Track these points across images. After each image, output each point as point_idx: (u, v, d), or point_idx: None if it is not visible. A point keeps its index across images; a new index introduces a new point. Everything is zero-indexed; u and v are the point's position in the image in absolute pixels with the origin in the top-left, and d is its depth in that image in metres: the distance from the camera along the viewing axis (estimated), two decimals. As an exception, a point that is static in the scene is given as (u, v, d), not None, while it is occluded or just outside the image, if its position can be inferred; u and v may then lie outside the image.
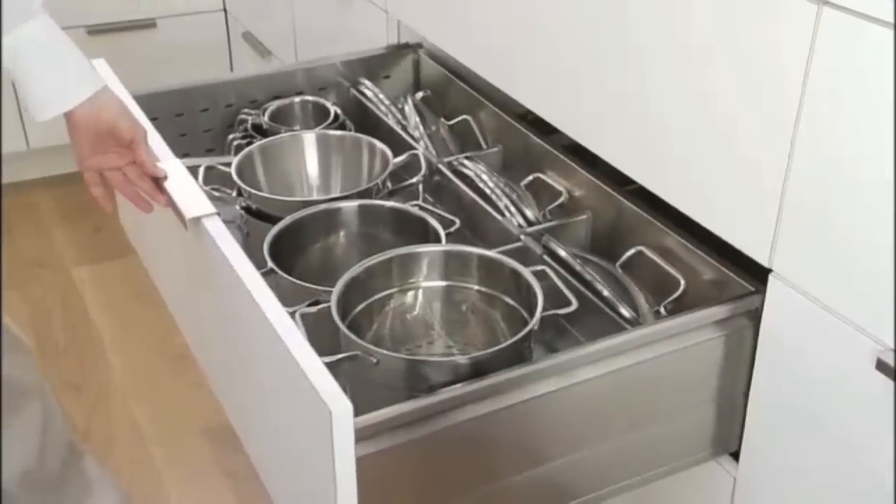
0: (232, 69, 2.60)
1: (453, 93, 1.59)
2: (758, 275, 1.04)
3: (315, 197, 1.38)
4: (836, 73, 0.85)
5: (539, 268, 1.07)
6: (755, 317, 1.03)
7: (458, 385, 0.92)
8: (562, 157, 1.32)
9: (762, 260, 0.97)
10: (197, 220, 1.06)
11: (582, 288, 1.12)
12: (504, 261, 1.07)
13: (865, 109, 0.83)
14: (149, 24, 2.45)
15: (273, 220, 1.23)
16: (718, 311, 1.03)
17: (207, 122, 1.54)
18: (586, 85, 1.18)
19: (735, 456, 1.12)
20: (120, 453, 1.70)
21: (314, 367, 0.84)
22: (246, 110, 1.53)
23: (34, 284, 2.17)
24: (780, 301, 0.98)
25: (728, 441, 1.11)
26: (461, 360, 0.95)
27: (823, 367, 0.95)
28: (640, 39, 1.07)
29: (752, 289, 1.04)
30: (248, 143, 1.44)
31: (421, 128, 1.46)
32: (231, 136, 1.49)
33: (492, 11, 1.34)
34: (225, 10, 2.54)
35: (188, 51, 2.50)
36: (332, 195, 1.32)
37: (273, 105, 1.53)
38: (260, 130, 1.49)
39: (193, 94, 1.53)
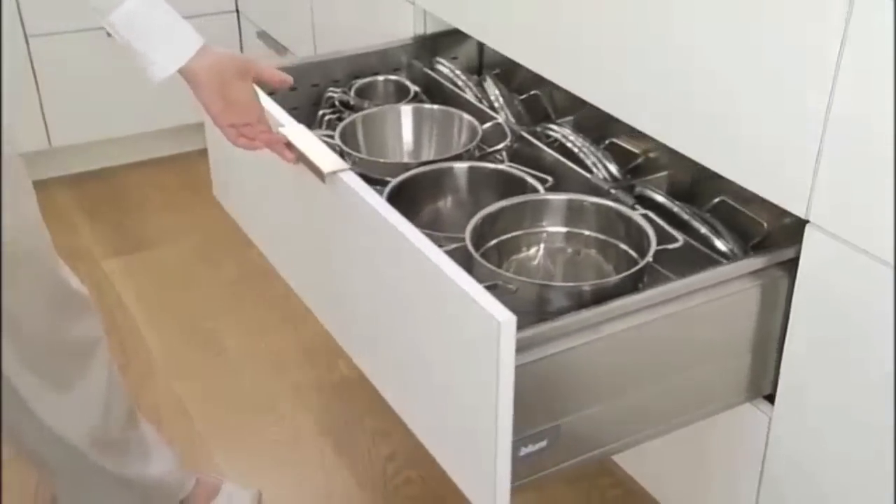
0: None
1: (520, 71, 1.70)
2: (790, 228, 1.14)
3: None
4: (877, 22, 0.94)
5: (643, 212, 1.20)
6: (789, 267, 1.13)
7: (585, 309, 1.04)
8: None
9: (799, 212, 1.08)
10: (334, 174, 1.17)
11: (676, 233, 1.24)
12: (616, 207, 1.19)
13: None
14: (165, 25, 2.55)
15: (378, 183, 1.34)
16: (754, 262, 1.13)
17: (295, 100, 1.66)
18: (622, 61, 1.28)
19: (768, 398, 1.22)
20: (168, 427, 1.78)
21: (477, 289, 0.96)
22: (332, 89, 1.65)
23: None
24: (816, 249, 1.07)
25: (762, 385, 1.21)
26: (586, 287, 1.07)
27: (862, 309, 1.05)
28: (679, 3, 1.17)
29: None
30: (338, 119, 1.56)
31: (500, 100, 1.58)
32: (321, 112, 1.61)
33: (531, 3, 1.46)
34: (237, 10, 2.66)
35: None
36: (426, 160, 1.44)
37: (357, 83, 1.65)
38: (347, 106, 1.61)
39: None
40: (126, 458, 1.45)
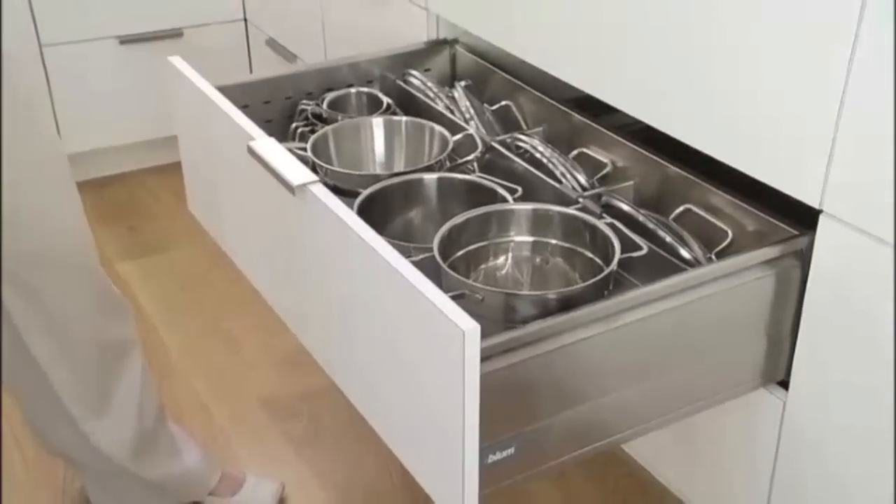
0: (251, 73, 2.73)
1: (492, 81, 1.73)
2: (801, 220, 1.18)
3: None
4: (891, 13, 0.97)
5: (609, 220, 1.21)
6: (802, 256, 1.17)
7: (551, 317, 1.05)
8: (604, 131, 1.47)
9: (813, 202, 1.11)
10: (304, 186, 1.19)
11: (640, 241, 1.26)
12: (581, 216, 1.21)
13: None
14: (175, 34, 2.58)
15: (349, 194, 1.36)
16: (768, 252, 1.17)
17: (269, 113, 1.67)
18: (633, 55, 1.32)
19: (782, 384, 1.26)
20: (189, 424, 1.84)
21: (442, 299, 0.97)
22: (305, 101, 1.66)
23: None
24: (831, 238, 1.12)
25: (775, 371, 1.25)
26: (551, 295, 1.09)
27: (874, 295, 1.09)
28: None
29: (797, 232, 1.18)
30: (311, 131, 1.57)
31: (472, 111, 1.59)
32: (294, 125, 1.62)
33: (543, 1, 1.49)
34: (245, 19, 2.68)
35: (212, 57, 2.62)
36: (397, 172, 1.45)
37: (329, 96, 1.66)
38: (319, 119, 1.62)
39: (257, 88, 1.66)
40: (156, 453, 1.51)
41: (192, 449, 1.57)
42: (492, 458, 1.04)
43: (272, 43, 2.56)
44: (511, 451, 1.06)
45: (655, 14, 1.27)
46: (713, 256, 1.25)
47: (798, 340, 1.21)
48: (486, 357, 0.98)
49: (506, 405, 1.04)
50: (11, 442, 1.80)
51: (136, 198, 2.67)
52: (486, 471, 1.03)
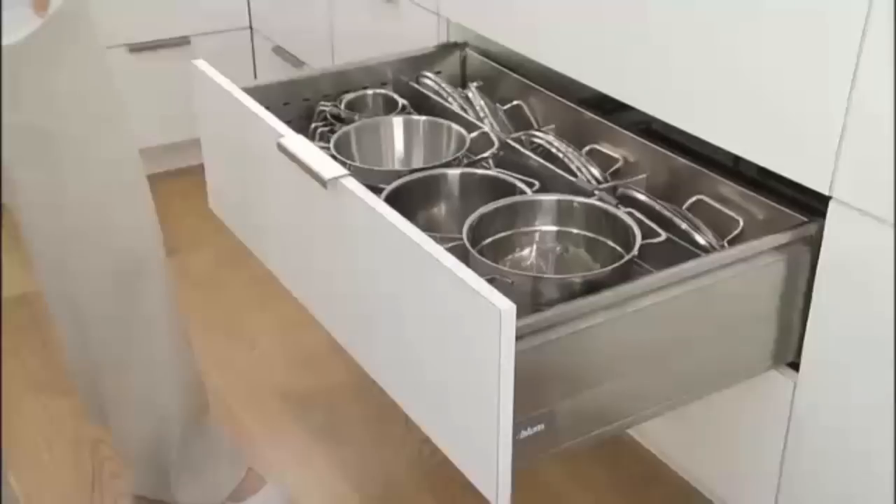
0: (255, 79, 2.78)
1: (502, 82, 1.79)
2: (810, 207, 1.24)
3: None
4: None
5: (628, 210, 1.27)
6: (811, 242, 1.23)
7: (579, 299, 1.11)
8: (614, 127, 1.53)
9: (822, 188, 1.17)
10: (335, 179, 1.24)
11: (657, 228, 1.32)
12: (602, 206, 1.27)
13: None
14: (183, 42, 2.64)
15: (373, 190, 1.41)
16: (779, 238, 1.23)
17: (288, 114, 1.72)
18: (643, 53, 1.38)
19: (792, 365, 1.32)
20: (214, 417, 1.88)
21: (478, 281, 1.03)
22: (323, 103, 1.72)
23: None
24: (840, 223, 1.17)
25: (786, 353, 1.31)
26: (577, 279, 1.14)
27: (884, 277, 1.14)
28: None
29: (806, 219, 1.24)
30: (330, 131, 1.63)
31: (486, 110, 1.65)
32: (314, 125, 1.68)
33: (552, 2, 1.55)
34: (251, 27, 2.73)
35: (219, 64, 2.67)
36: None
37: (347, 97, 1.72)
38: (338, 119, 1.67)
39: (276, 90, 1.71)
40: (202, 433, 1.60)
41: (224, 434, 1.67)
42: (524, 433, 1.09)
43: (279, 50, 2.62)
44: (541, 427, 1.11)
45: (659, 13, 1.33)
46: (725, 244, 1.31)
47: (808, 323, 1.27)
48: (518, 336, 1.03)
49: (535, 383, 1.09)
50: (41, 442, 1.85)
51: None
52: (518, 446, 1.09)
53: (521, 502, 1.66)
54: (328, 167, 1.26)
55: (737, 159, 1.44)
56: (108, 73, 1.40)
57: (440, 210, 1.42)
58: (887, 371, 1.18)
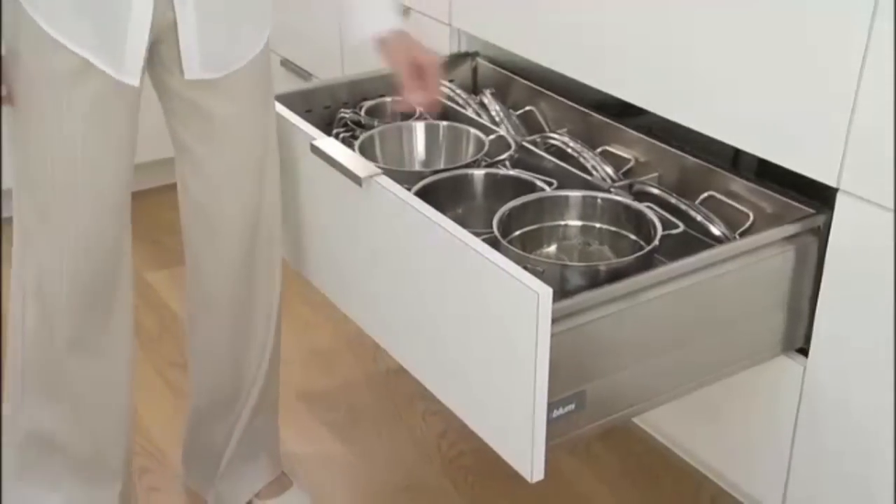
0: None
1: (513, 89, 1.86)
2: (816, 199, 1.32)
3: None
4: None
5: (646, 204, 1.35)
6: (818, 233, 1.31)
7: (606, 286, 1.18)
8: (625, 129, 1.61)
9: (830, 181, 1.25)
10: (370, 178, 1.31)
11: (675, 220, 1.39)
12: (624, 201, 1.35)
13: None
14: (193, 55, 2.69)
15: (398, 190, 1.48)
16: (787, 229, 1.31)
17: (310, 121, 1.79)
18: (656, 58, 1.46)
19: (801, 351, 1.39)
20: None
21: (515, 268, 1.10)
22: (343, 110, 1.79)
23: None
24: (847, 214, 1.25)
25: (795, 339, 1.38)
26: (602, 267, 1.22)
27: (888, 264, 1.21)
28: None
29: (813, 210, 1.32)
30: (352, 136, 1.70)
31: (501, 115, 1.73)
32: (335, 131, 1.74)
33: (560, 10, 1.62)
34: (257, 41, 2.80)
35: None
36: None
37: (366, 104, 1.79)
38: (358, 125, 1.74)
39: (296, 98, 1.78)
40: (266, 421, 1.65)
41: None
42: (556, 412, 1.16)
43: (287, 63, 2.68)
44: (572, 406, 1.18)
45: (661, 13, 1.41)
46: (737, 237, 1.38)
47: (817, 310, 1.34)
48: (553, 320, 1.10)
49: (567, 365, 1.16)
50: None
51: (157, 214, 2.75)
52: (551, 424, 1.16)
53: (535, 490, 1.72)
54: (362, 166, 1.33)
55: (735, 155, 1.53)
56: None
57: (464, 208, 1.49)
58: (894, 359, 1.25)
